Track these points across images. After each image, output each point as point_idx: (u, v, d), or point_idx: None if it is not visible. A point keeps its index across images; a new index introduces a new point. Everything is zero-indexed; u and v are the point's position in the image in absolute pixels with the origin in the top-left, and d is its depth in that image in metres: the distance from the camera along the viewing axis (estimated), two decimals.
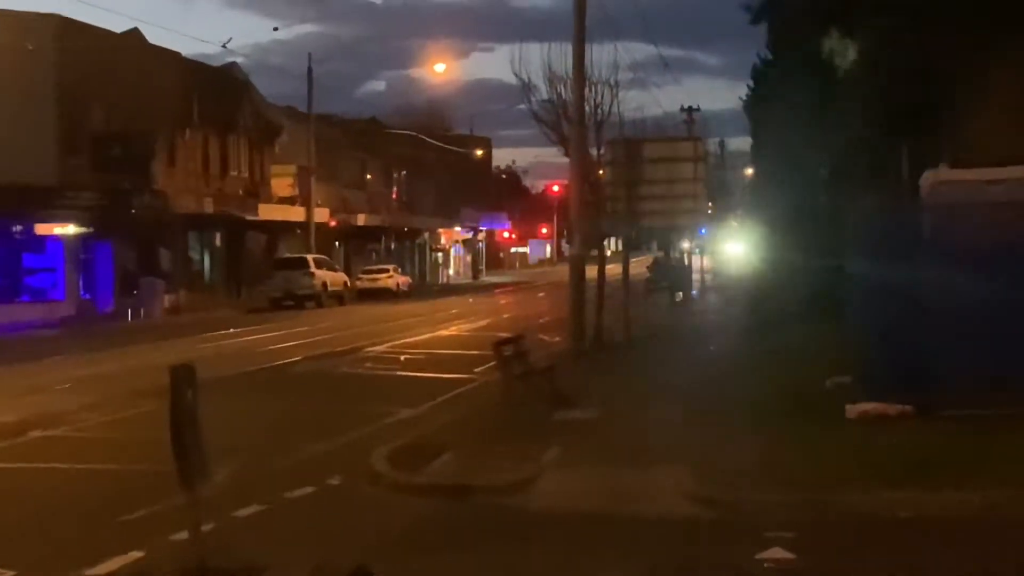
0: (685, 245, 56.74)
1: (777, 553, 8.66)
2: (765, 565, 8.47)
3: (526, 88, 26.39)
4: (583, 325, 25.25)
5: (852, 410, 14.06)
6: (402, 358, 26.85)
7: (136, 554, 9.22)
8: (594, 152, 27.64)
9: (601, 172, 27.87)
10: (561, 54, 26.16)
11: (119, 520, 10.54)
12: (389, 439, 14.49)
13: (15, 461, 14.21)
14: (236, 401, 18.11)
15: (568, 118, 25.82)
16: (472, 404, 18.15)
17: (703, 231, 58.09)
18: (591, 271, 27.28)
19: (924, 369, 14.19)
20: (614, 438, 13.88)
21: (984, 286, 13.34)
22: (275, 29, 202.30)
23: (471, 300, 58.14)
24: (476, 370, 23.57)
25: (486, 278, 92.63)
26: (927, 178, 13.72)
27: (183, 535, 9.65)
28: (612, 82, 27.05)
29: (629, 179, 27.39)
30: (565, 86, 25.93)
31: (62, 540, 9.98)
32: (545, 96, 26.82)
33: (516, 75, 26.69)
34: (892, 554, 8.73)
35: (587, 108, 25.73)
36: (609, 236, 31.17)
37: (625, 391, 18.34)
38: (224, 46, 62.70)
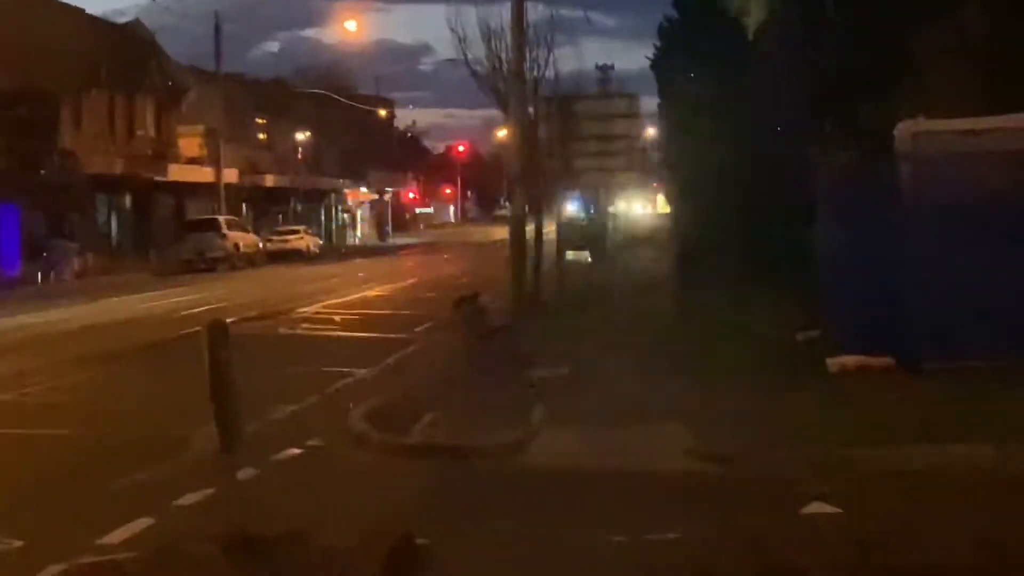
0: (571, 208, 56.25)
1: (822, 508, 8.36)
2: (815, 521, 8.14)
3: (462, 44, 25.85)
4: (524, 285, 24.96)
5: (833, 363, 13.96)
6: (337, 319, 26.45)
7: (146, 520, 8.71)
8: (530, 110, 27.29)
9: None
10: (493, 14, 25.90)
11: (108, 487, 10.04)
12: (356, 400, 14.14)
13: None
14: (181, 365, 17.49)
15: (505, 76, 25.40)
16: (429, 363, 17.81)
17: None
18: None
19: (898, 322, 14.12)
20: (594, 395, 13.61)
21: (965, 238, 13.27)
22: None
23: (384, 261, 57.66)
24: (416, 330, 23.30)
25: (393, 240, 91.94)
26: (904, 129, 13.62)
27: (185, 500, 9.32)
28: (548, 39, 26.68)
29: (564, 136, 27.20)
30: (501, 42, 25.51)
31: (58, 508, 9.48)
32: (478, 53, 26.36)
33: (452, 30, 26.14)
34: (939, 505, 8.45)
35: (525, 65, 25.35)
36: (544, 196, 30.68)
37: (584, 348, 17.96)
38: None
